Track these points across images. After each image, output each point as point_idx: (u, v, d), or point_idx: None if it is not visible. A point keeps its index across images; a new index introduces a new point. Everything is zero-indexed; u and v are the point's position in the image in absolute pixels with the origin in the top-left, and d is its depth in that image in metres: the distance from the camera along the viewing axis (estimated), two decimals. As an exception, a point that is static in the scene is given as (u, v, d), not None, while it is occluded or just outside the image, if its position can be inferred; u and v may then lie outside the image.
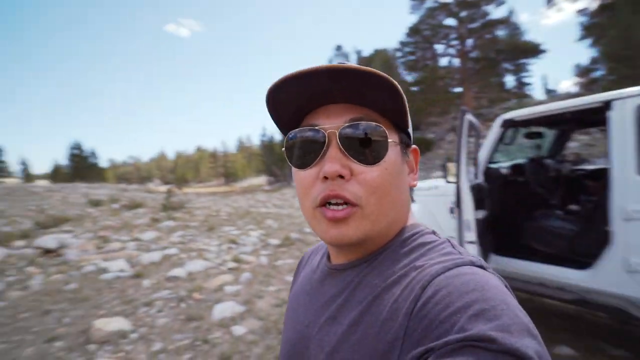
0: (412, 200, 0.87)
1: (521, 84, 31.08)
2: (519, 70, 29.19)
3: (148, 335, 3.12)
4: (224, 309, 3.65)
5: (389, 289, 0.43)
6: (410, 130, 0.52)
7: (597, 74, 21.32)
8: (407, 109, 0.48)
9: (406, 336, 0.37)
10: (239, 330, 3.22)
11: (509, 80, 30.48)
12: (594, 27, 20.83)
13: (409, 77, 30.79)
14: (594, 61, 22.14)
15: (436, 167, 16.04)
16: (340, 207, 0.45)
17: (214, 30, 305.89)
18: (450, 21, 29.17)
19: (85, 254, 6.11)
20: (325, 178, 0.44)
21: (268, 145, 48.88)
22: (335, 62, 0.42)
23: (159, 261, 5.68)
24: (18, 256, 5.98)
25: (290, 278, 4.72)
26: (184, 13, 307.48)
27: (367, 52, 38.99)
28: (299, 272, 0.69)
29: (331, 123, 0.46)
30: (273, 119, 0.50)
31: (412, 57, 30.99)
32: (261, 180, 60.80)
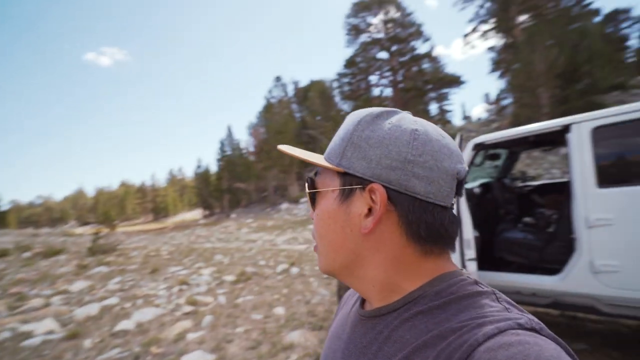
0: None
1: (443, 111, 34.45)
2: (441, 99, 32.49)
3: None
4: (191, 363, 3.17)
5: (421, 350, 0.39)
6: (359, 170, 0.44)
7: (506, 102, 24.48)
8: (329, 160, 0.48)
9: None
10: (215, 386, 2.79)
11: (433, 108, 33.68)
12: (501, 62, 24.01)
13: (345, 106, 32.47)
14: (502, 91, 25.47)
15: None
16: None
17: (140, 59, 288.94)
18: (383, 54, 31.67)
19: (-2, 315, 5.00)
20: None
21: (203, 176, 46.77)
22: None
23: (97, 315, 4.86)
24: None
25: (255, 316, 4.34)
26: (106, 42, 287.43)
27: (304, 82, 40.45)
28: (337, 312, 0.68)
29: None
30: None
31: (348, 88, 32.92)
32: (195, 214, 57.60)
